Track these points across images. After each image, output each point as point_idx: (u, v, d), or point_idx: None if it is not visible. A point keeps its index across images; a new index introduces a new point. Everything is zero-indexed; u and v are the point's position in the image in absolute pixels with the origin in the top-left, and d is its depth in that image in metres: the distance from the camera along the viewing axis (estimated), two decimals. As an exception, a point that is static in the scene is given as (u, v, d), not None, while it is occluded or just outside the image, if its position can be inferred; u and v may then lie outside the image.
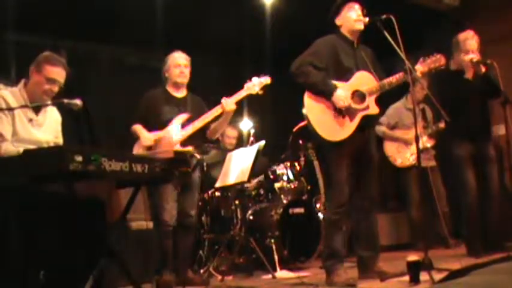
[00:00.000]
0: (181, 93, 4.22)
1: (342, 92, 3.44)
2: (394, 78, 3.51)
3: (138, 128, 4.08)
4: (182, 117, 4.06)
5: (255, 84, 4.15)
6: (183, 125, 4.04)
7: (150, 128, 4.07)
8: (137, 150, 4.02)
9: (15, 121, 3.10)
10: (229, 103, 4.05)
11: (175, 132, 4.00)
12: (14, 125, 3.09)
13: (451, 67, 4.44)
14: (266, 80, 4.20)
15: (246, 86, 4.16)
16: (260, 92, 4.17)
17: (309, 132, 3.58)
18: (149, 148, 3.97)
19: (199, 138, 4.11)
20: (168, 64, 4.19)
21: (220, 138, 5.64)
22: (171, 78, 4.18)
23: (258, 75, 4.21)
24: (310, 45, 3.60)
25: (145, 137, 4.02)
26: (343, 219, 3.58)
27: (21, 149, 2.77)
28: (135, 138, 4.10)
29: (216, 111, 4.06)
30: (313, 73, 3.47)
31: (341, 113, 3.46)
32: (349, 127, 3.46)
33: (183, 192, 4.01)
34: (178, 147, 3.92)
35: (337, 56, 3.54)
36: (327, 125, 3.46)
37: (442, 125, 5.06)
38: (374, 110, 3.54)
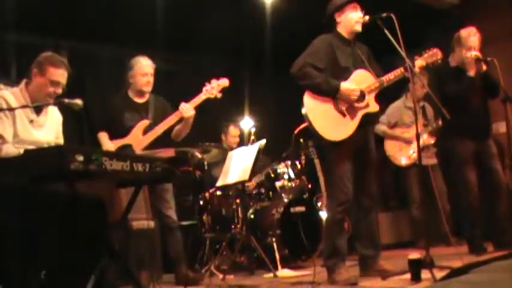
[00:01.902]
0: (143, 99, 4.14)
1: (349, 84, 3.43)
2: (392, 75, 3.51)
3: (101, 137, 4.05)
4: (143, 123, 4.02)
5: (214, 87, 4.09)
6: (145, 131, 4.00)
7: (113, 135, 4.03)
8: None
9: (16, 122, 3.09)
10: (187, 109, 3.98)
11: (137, 139, 3.97)
12: (14, 126, 3.09)
13: (450, 63, 4.44)
14: (224, 82, 4.15)
15: (204, 89, 4.11)
16: (219, 96, 4.11)
17: (310, 133, 3.57)
18: None
19: (163, 143, 4.00)
20: (134, 71, 4.07)
21: (223, 137, 5.63)
22: (135, 86, 4.10)
23: (218, 78, 4.15)
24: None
25: (107, 146, 3.97)
26: (346, 218, 3.58)
27: (22, 151, 2.77)
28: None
29: (174, 117, 4.00)
30: (315, 74, 3.44)
31: (342, 112, 3.46)
32: (350, 126, 3.45)
33: (154, 193, 3.92)
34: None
35: (334, 56, 3.52)
36: (328, 125, 3.44)
37: (441, 122, 5.04)
38: (374, 107, 3.53)
